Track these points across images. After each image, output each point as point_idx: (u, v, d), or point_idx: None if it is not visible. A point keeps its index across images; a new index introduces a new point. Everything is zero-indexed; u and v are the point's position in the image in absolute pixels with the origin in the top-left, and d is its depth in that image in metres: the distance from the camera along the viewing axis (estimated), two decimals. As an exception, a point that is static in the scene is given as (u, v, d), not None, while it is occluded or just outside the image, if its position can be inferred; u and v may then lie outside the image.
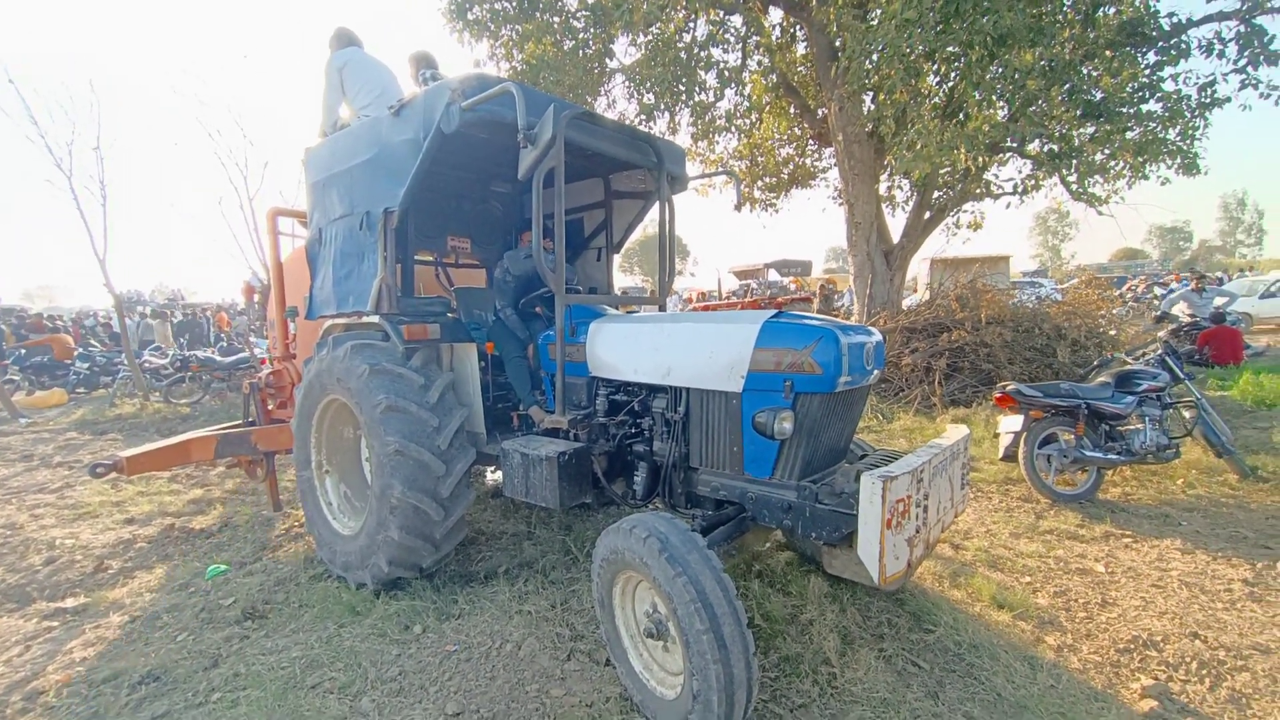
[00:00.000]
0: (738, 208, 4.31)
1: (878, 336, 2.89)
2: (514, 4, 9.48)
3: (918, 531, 2.27)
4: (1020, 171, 9.36)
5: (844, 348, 2.53)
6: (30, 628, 3.41)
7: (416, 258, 5.15)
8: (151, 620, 3.40)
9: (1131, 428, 4.84)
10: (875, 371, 2.87)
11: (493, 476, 5.46)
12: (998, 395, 5.16)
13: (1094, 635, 3.06)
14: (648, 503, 3.31)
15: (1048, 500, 4.85)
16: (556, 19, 9.43)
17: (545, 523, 4.58)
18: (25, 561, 4.24)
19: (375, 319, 3.58)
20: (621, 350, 3.27)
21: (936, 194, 9.47)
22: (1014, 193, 9.23)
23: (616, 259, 5.22)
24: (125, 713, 2.65)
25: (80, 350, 13.26)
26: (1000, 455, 5.27)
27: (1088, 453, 4.75)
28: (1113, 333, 8.74)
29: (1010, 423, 5.18)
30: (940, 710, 2.51)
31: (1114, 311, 9.52)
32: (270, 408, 5.06)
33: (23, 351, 12.52)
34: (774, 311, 2.84)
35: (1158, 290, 22.45)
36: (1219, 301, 11.13)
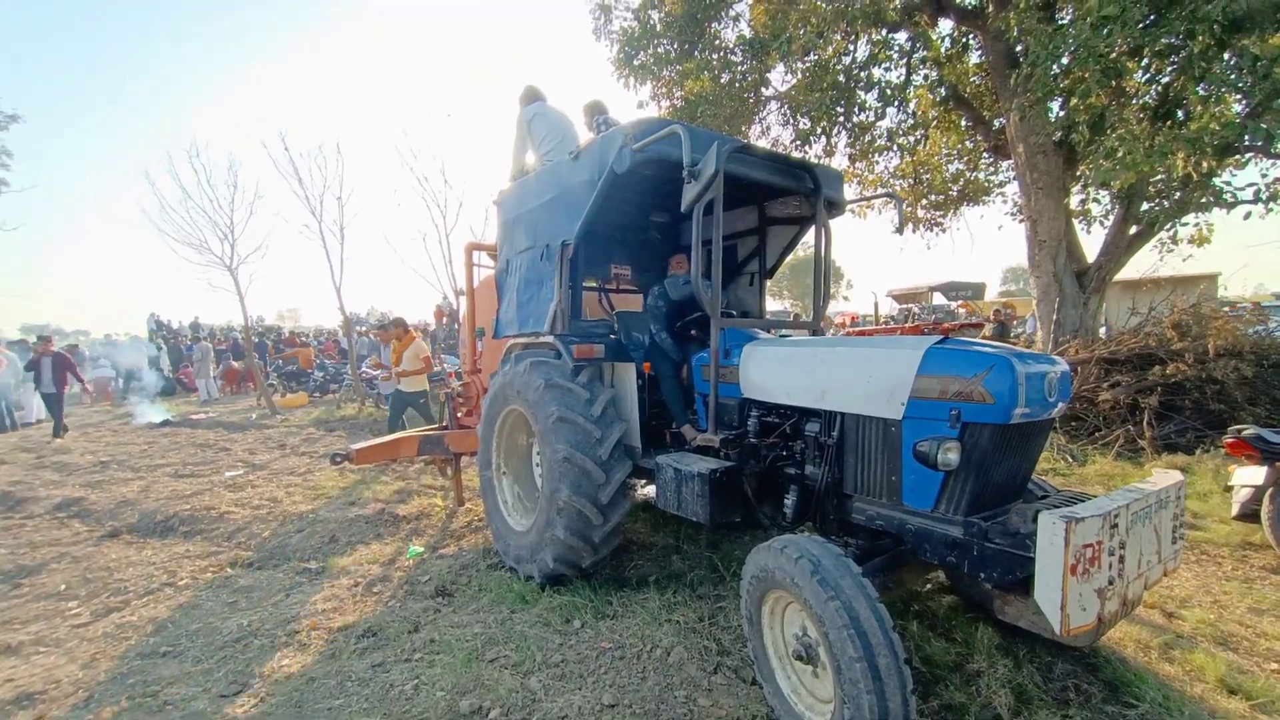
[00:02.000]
0: (899, 230, 4.17)
1: (1063, 366, 2.66)
2: (675, 46, 10.05)
3: (1111, 583, 2.05)
4: (1265, 174, 7.78)
5: (1021, 377, 2.38)
6: (287, 580, 4.29)
7: (585, 284, 5.68)
8: (369, 586, 4.11)
9: None
10: (1060, 405, 2.63)
11: (644, 490, 5.74)
12: (1231, 440, 4.33)
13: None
14: (797, 527, 3.30)
15: (1303, 571, 3.95)
16: (715, 55, 9.82)
17: (693, 539, 4.72)
18: (284, 528, 5.34)
19: (550, 339, 4.04)
20: (775, 372, 3.34)
21: (1145, 205, 8.19)
22: (1256, 200, 7.67)
23: (769, 284, 5.29)
24: (354, 657, 3.25)
25: (319, 361, 16.25)
26: (1234, 513, 4.40)
27: (1364, 518, 3.80)
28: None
29: (1249, 474, 4.31)
30: (1141, 794, 2.20)
31: None
32: (460, 415, 5.85)
33: (280, 362, 15.69)
34: (939, 337, 2.75)
35: None
36: None
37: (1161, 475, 2.61)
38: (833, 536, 3.15)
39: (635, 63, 10.14)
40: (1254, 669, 2.99)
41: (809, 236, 4.75)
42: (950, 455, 2.43)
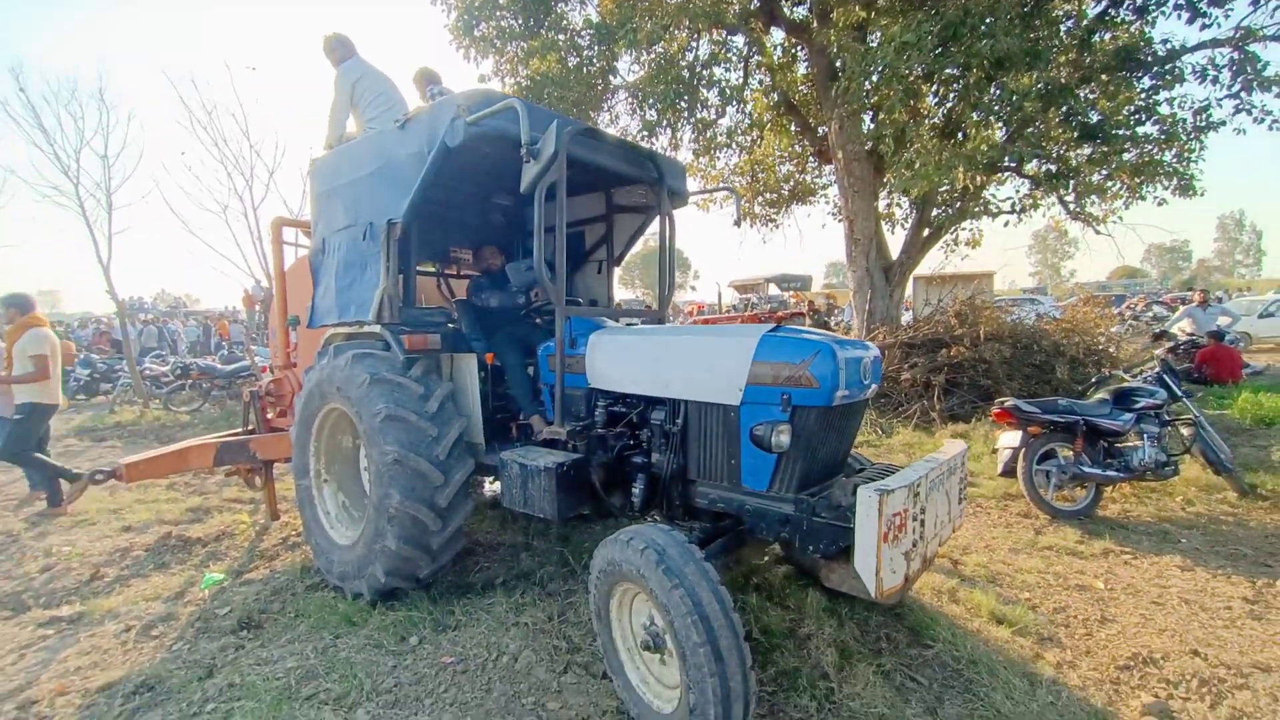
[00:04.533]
0: (737, 223, 4.36)
1: (875, 351, 2.91)
2: (520, 22, 9.64)
3: (915, 545, 2.27)
4: (1019, 191, 9.48)
5: (841, 362, 2.56)
6: (25, 636, 3.39)
7: (418, 268, 5.20)
8: (146, 630, 3.39)
9: (1130, 445, 4.85)
10: (873, 386, 2.89)
11: (491, 487, 5.46)
12: (996, 410, 5.17)
13: (1093, 652, 3.05)
14: (645, 515, 3.31)
15: (1047, 516, 4.85)
16: (562, 36, 9.59)
17: (543, 534, 4.57)
18: (21, 569, 4.23)
19: (377, 328, 3.61)
20: (621, 362, 3.29)
21: (935, 211, 9.56)
22: (1012, 211, 9.32)
23: (617, 272, 5.27)
24: (118, 722, 2.64)
25: (82, 356, 13.30)
26: (999, 470, 5.27)
27: (1086, 469, 4.75)
28: (1111, 350, 8.77)
29: (1009, 438, 5.19)
30: (938, 727, 2.50)
31: (1112, 330, 9.55)
32: (270, 416, 5.08)
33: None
34: (772, 325, 2.87)
35: (1155, 309, 22.55)
36: (1222, 321, 11.16)
37: (950, 444, 2.99)
38: (677, 521, 3.20)
39: (476, 33, 9.57)
40: (1015, 597, 3.58)
41: (656, 226, 4.81)
42: (783, 438, 2.55)
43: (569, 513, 3.21)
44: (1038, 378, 8.12)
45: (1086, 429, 4.81)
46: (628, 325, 3.87)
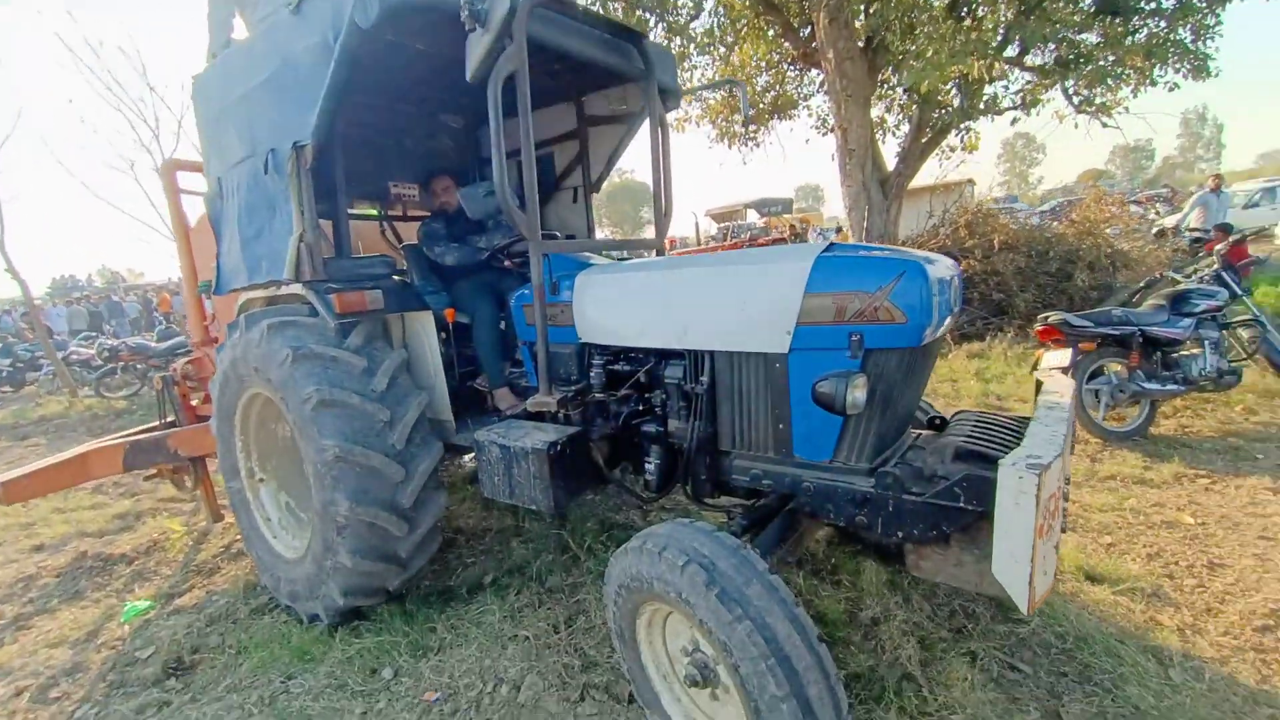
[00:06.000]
0: (746, 122, 3.60)
1: (959, 267, 2.21)
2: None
3: (1064, 532, 1.65)
4: (1020, 83, 8.65)
5: (934, 284, 1.85)
6: (-114, 712, 2.66)
7: (353, 211, 4.28)
8: (43, 691, 2.67)
9: (1188, 354, 4.32)
10: (955, 312, 2.21)
11: (470, 460, 4.76)
12: (1041, 328, 4.57)
13: (1216, 610, 2.54)
14: (663, 494, 2.65)
15: (1099, 440, 4.34)
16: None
17: (535, 514, 3.91)
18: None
19: (298, 288, 2.78)
20: (620, 307, 2.54)
21: (935, 114, 8.69)
22: (1016, 106, 8.50)
23: (596, 199, 4.41)
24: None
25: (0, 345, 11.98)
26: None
27: (1143, 385, 4.22)
28: (1126, 250, 8.21)
29: (1056, 358, 4.59)
30: (1071, 740, 1.96)
31: (1131, 229, 8.98)
32: (196, 403, 4.24)
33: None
34: (825, 244, 2.13)
35: (1132, 208, 22.20)
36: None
37: (1049, 371, 2.37)
38: (705, 501, 2.56)
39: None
40: (1095, 548, 3.07)
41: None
42: (858, 394, 1.86)
43: (568, 502, 2.55)
44: (1054, 287, 7.57)
45: (1143, 340, 4.25)
46: (620, 261, 3.09)
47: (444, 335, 3.12)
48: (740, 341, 2.17)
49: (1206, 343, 4.25)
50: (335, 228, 3.29)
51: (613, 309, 2.56)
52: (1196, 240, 8.94)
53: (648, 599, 1.90)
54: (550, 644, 2.63)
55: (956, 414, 2.43)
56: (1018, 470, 1.43)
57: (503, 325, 3.21)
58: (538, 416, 2.84)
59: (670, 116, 3.79)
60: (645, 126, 3.21)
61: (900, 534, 1.91)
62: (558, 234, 3.95)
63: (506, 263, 3.24)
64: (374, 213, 4.53)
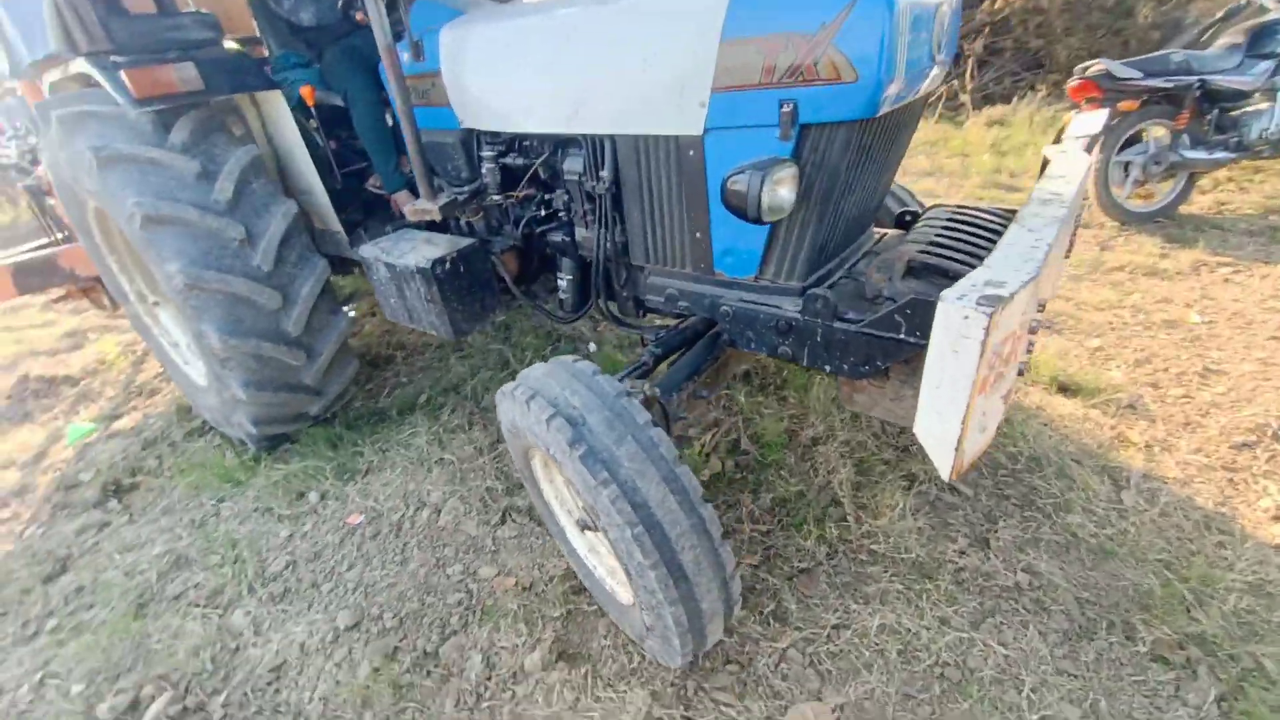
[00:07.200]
0: None
1: (957, -8, 1.52)
2: None
3: (1021, 374, 1.28)
4: None
5: (901, 16, 1.22)
6: None
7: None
8: (-13, 516, 2.73)
9: (1252, 109, 3.52)
10: (943, 62, 1.57)
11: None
12: (1075, 84, 3.69)
13: (1195, 424, 2.30)
14: (581, 315, 2.29)
15: (1116, 223, 3.79)
16: None
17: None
18: None
19: (81, 63, 2.11)
20: (500, 76, 1.89)
21: None
22: None
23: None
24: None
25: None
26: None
27: (1187, 153, 3.52)
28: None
29: (1088, 122, 3.80)
30: (993, 567, 1.86)
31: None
32: (89, 214, 3.75)
33: None
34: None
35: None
36: None
37: (1069, 149, 1.80)
38: (629, 322, 2.21)
39: None
40: (1079, 352, 2.77)
41: None
42: (781, 192, 1.37)
43: (471, 327, 2.22)
44: (1108, 28, 6.17)
45: (1200, 94, 3.43)
46: (504, 3, 2.29)
47: (312, 121, 2.50)
48: (642, 121, 1.60)
49: (1281, 95, 3.42)
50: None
51: (492, 78, 1.92)
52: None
53: (531, 445, 1.67)
54: (476, 467, 2.54)
55: (930, 208, 1.92)
56: (963, 307, 1.01)
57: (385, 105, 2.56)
58: (436, 226, 2.38)
59: None
60: None
61: (828, 368, 1.57)
62: None
63: (359, 15, 2.45)
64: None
